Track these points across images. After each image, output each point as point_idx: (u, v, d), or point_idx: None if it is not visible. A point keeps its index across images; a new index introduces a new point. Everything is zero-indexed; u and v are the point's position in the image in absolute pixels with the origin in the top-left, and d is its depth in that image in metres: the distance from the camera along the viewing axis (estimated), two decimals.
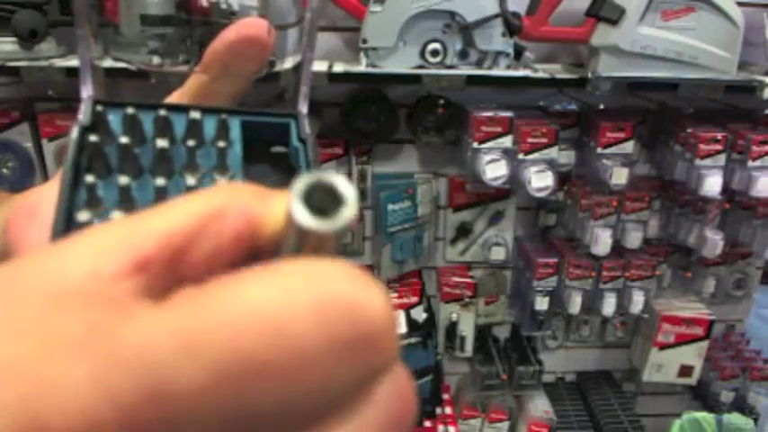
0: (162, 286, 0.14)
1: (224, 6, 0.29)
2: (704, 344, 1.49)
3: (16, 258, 0.22)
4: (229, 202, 0.16)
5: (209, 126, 0.26)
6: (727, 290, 1.54)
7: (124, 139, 0.24)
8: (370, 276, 0.14)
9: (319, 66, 1.14)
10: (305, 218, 0.16)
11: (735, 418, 1.38)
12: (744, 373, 1.56)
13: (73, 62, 1.07)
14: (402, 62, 1.11)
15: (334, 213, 0.16)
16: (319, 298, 0.13)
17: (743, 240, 1.41)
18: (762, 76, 1.15)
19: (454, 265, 1.51)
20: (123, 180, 0.23)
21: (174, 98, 0.28)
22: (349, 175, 1.37)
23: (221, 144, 0.26)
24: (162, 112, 0.25)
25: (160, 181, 0.24)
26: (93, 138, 0.24)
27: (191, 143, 0.25)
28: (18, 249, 0.25)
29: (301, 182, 0.16)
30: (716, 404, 1.57)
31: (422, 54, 1.11)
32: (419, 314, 1.44)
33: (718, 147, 1.24)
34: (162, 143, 0.25)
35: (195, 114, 0.26)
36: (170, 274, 0.15)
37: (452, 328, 1.50)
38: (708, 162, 1.25)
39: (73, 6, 0.25)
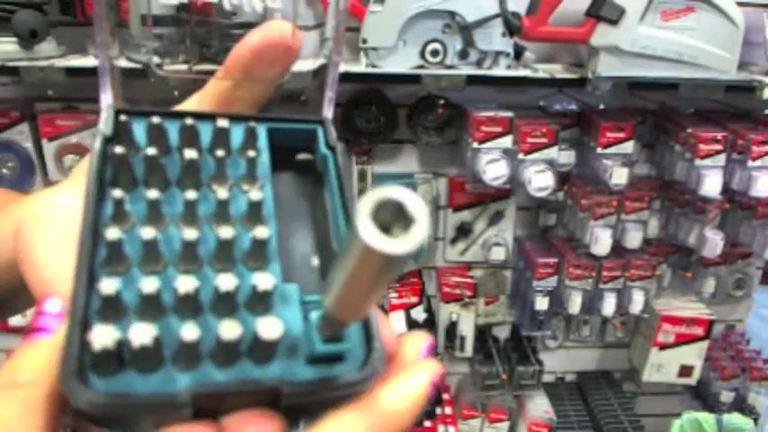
0: None
1: (248, 9, 0.28)
2: (704, 344, 1.49)
3: (25, 271, 0.22)
4: None
5: (237, 134, 0.25)
6: (727, 290, 1.54)
7: (151, 151, 0.23)
8: None
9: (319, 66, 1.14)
10: (376, 238, 0.15)
11: (735, 418, 1.38)
12: (744, 373, 1.56)
13: (73, 62, 1.07)
14: (402, 62, 1.10)
15: (403, 232, 0.15)
16: None
17: (743, 240, 1.41)
18: (762, 76, 1.15)
19: (454, 265, 1.50)
20: (152, 194, 0.22)
21: (193, 104, 0.27)
22: (349, 175, 1.37)
23: (250, 154, 0.25)
24: (188, 121, 0.24)
25: (190, 195, 0.22)
26: (118, 149, 0.23)
27: (219, 153, 0.24)
28: (26, 261, 0.24)
29: (369, 199, 0.15)
30: (716, 404, 1.57)
31: (422, 54, 1.11)
32: (419, 314, 1.44)
33: (719, 147, 1.24)
34: (190, 154, 0.23)
35: (223, 123, 0.25)
36: None
37: (452, 328, 1.50)
38: (708, 162, 1.25)
39: (93, 11, 0.24)
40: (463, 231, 1.46)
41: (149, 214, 0.22)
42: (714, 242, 1.33)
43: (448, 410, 1.51)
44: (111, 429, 0.21)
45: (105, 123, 0.24)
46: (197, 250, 0.21)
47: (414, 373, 0.22)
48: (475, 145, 1.24)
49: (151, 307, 0.20)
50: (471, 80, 1.11)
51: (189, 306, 0.20)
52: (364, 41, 1.09)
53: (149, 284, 0.19)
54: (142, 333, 0.18)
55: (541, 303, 1.40)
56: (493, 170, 1.23)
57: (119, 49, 0.26)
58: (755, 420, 1.49)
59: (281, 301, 0.22)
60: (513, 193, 1.43)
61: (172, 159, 0.24)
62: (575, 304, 1.40)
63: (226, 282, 0.20)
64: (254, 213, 0.23)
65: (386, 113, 1.28)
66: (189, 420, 0.19)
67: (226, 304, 0.20)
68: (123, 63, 0.26)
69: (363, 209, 0.15)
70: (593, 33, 1.13)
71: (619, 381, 1.67)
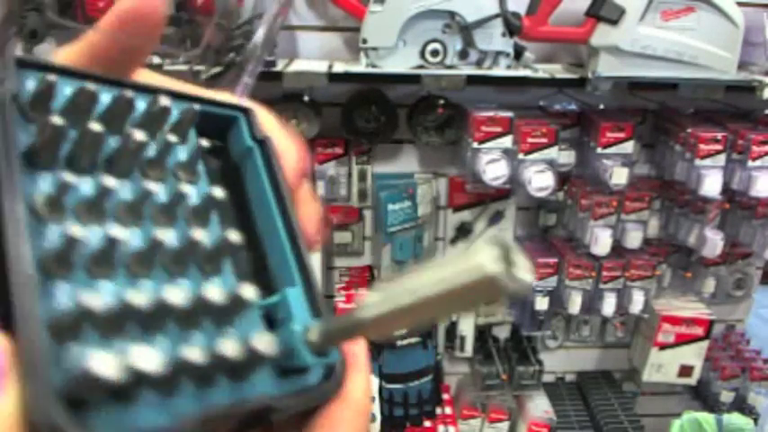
0: None
1: None
2: (704, 344, 1.49)
3: None
4: None
5: (140, 105, 0.21)
6: (727, 290, 1.54)
7: (58, 120, 0.18)
8: None
9: (319, 66, 1.14)
10: (499, 270, 0.16)
11: (735, 418, 1.38)
12: (744, 373, 1.56)
13: None
14: (402, 62, 1.10)
15: (514, 273, 0.17)
16: None
17: (743, 240, 1.41)
18: (762, 76, 1.15)
19: None
20: (108, 182, 0.18)
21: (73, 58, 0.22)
22: (349, 175, 1.37)
23: (186, 139, 0.22)
24: (90, 87, 0.19)
25: (143, 185, 0.20)
26: (57, 121, 0.18)
27: (154, 136, 0.21)
28: None
29: (500, 242, 0.17)
30: (716, 404, 1.57)
31: (422, 54, 1.11)
32: None
33: (719, 147, 1.24)
34: (139, 136, 0.20)
35: (165, 102, 0.21)
36: None
37: (452, 328, 1.50)
38: (708, 162, 1.25)
39: None
40: (463, 231, 1.46)
41: (87, 206, 0.18)
42: (714, 242, 1.33)
43: (448, 410, 1.51)
44: None
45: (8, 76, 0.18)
46: (155, 253, 0.19)
47: (358, 367, 0.23)
48: (475, 145, 1.24)
49: (113, 322, 0.16)
50: (471, 80, 1.11)
51: (160, 321, 0.17)
52: (364, 41, 1.09)
53: (109, 295, 0.16)
54: (148, 356, 0.15)
55: (541, 303, 1.40)
56: (493, 170, 1.23)
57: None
58: (755, 420, 1.49)
59: (243, 311, 0.20)
60: (513, 193, 1.42)
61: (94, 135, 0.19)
62: (575, 304, 1.40)
63: (213, 292, 0.18)
64: (215, 211, 0.21)
65: (386, 113, 1.28)
66: None
67: (209, 318, 0.19)
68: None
69: (486, 242, 0.17)
70: (593, 33, 1.13)
71: (619, 381, 1.67)
